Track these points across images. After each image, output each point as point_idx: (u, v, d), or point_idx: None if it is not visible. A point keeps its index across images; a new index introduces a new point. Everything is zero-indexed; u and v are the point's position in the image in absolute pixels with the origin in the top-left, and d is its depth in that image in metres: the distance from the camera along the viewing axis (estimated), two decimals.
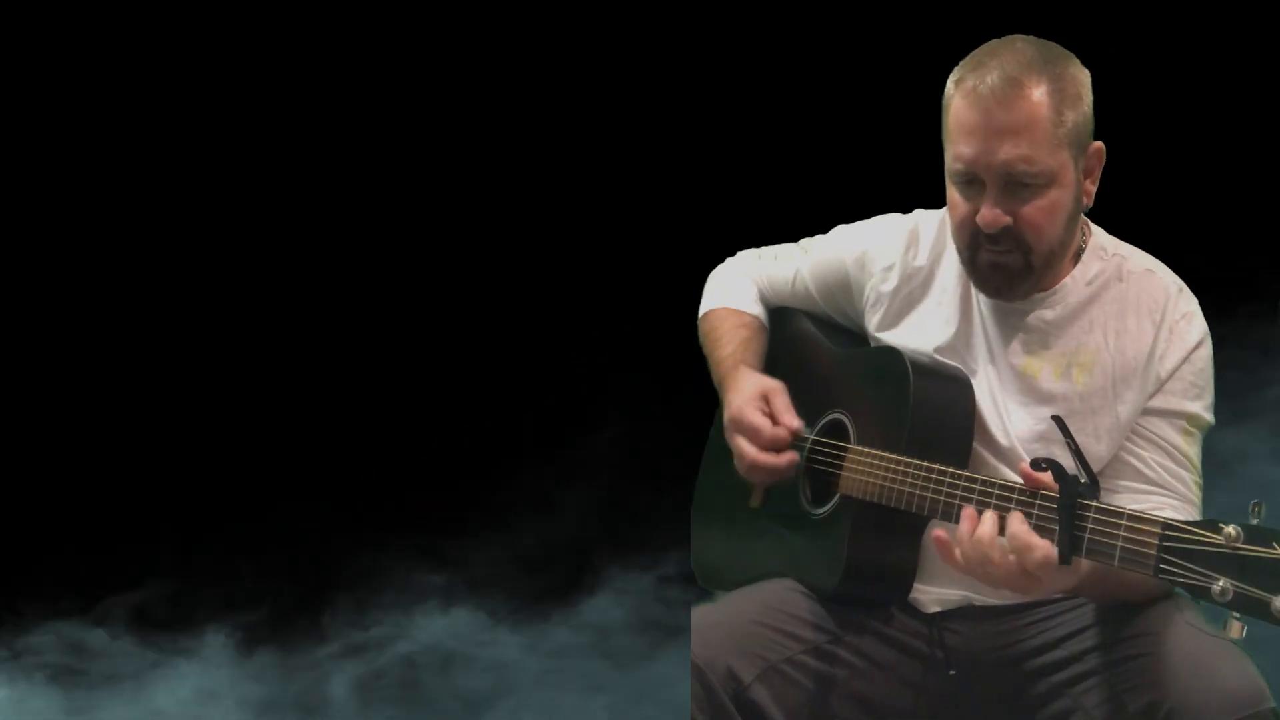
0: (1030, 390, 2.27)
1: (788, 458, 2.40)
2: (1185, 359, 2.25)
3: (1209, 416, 2.27)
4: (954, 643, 2.30)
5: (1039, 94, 2.17)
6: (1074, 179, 2.22)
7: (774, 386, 2.45)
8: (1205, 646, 2.07)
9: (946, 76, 2.29)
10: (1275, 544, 1.71)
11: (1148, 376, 2.25)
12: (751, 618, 2.31)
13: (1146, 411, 2.25)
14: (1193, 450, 2.25)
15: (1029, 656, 2.26)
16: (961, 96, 2.21)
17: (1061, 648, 2.23)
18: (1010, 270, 2.22)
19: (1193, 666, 2.04)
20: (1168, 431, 2.25)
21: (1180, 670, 2.05)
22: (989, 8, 2.80)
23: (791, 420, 2.41)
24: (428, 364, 3.95)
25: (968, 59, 2.25)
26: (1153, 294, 2.28)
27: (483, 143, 3.94)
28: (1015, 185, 2.17)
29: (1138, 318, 2.27)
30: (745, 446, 2.42)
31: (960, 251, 2.28)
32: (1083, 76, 2.24)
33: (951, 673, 2.29)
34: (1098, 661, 2.17)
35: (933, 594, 2.32)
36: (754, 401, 2.43)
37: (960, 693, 2.30)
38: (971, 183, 2.20)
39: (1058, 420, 2.06)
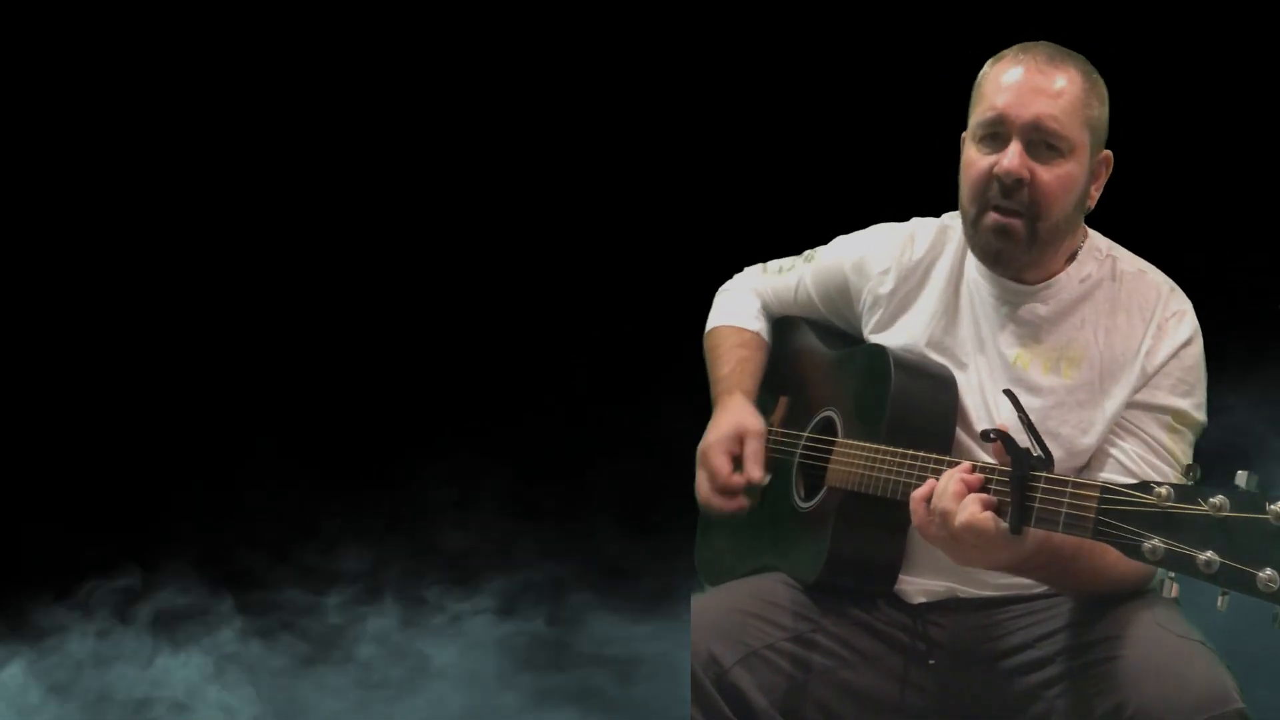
0: (1019, 382, 2.29)
1: (735, 504, 2.48)
2: (1173, 355, 2.26)
3: (1199, 415, 2.27)
4: (937, 636, 2.32)
5: (1074, 75, 2.27)
6: (1087, 166, 2.28)
7: (752, 429, 2.51)
8: (1173, 648, 2.07)
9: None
10: (1202, 501, 1.72)
11: (1134, 371, 2.26)
12: (736, 606, 2.35)
13: (1131, 405, 2.26)
14: (1178, 447, 2.26)
15: (1008, 654, 2.27)
16: (1002, 66, 2.30)
17: (1038, 647, 2.24)
18: (1014, 235, 2.25)
19: (1159, 668, 2.04)
20: (1151, 426, 2.26)
21: (1146, 672, 2.05)
22: (986, 22, 2.81)
23: (754, 471, 2.47)
24: (427, 364, 3.99)
25: (1004, 51, 2.33)
26: (1144, 293, 2.31)
27: (494, 154, 4.01)
28: (1038, 145, 2.24)
29: (1128, 315, 2.29)
30: (702, 483, 2.51)
31: (966, 212, 2.32)
32: (1105, 88, 2.31)
33: (931, 662, 2.31)
34: (1069, 664, 2.17)
35: (918, 584, 2.34)
36: (725, 443, 2.50)
37: (942, 686, 2.31)
38: (996, 137, 2.26)
39: (1009, 394, 2.09)
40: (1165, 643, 2.08)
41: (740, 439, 2.50)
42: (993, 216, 2.26)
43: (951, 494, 2.03)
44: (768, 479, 2.49)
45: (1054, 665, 2.20)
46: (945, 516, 2.02)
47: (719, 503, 2.48)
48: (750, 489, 2.55)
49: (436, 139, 4.01)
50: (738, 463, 2.49)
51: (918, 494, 2.09)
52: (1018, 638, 2.27)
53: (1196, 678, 2.03)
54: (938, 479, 2.09)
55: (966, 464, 2.07)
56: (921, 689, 2.32)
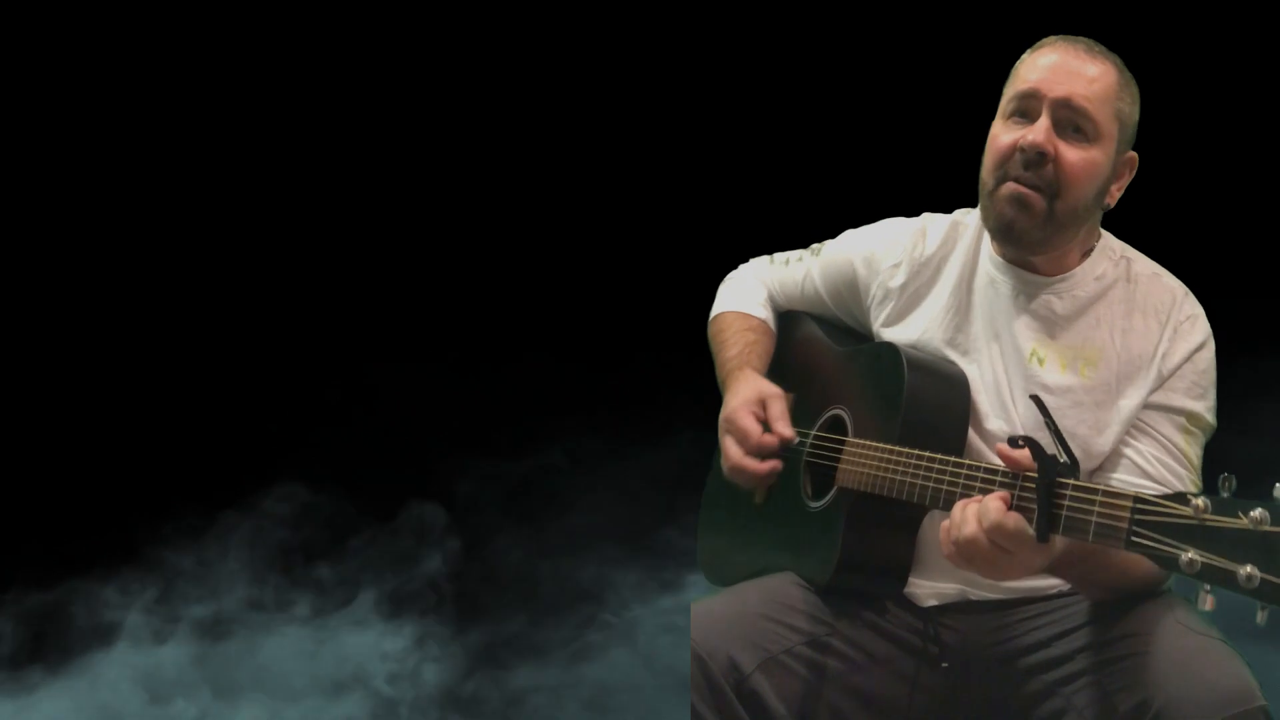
0: (1034, 380, 2.28)
1: (770, 464, 2.42)
2: (1188, 358, 2.26)
3: (1211, 419, 2.27)
4: (949, 639, 2.31)
5: (1110, 68, 2.27)
6: (1111, 159, 2.26)
7: (772, 392, 2.47)
8: (1196, 646, 2.06)
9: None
10: (1241, 514, 1.69)
11: (1150, 373, 2.26)
12: (753, 609, 2.33)
13: (1147, 406, 2.25)
14: (1192, 450, 2.26)
15: (1023, 654, 2.26)
16: (1040, 51, 2.30)
17: (1054, 645, 2.23)
18: (1031, 206, 2.23)
19: (1182, 666, 2.04)
20: (1167, 428, 2.25)
21: (1170, 669, 2.04)
22: (995, 22, 2.80)
23: (784, 429, 2.43)
24: (434, 365, 3.96)
25: (1044, 39, 2.33)
26: (1159, 296, 2.30)
27: (505, 152, 3.97)
28: (1066, 125, 2.23)
29: (1144, 317, 2.28)
30: (732, 448, 2.45)
31: (984, 184, 2.29)
32: (1139, 91, 2.31)
33: (944, 665, 2.29)
34: (1089, 661, 2.16)
35: (929, 588, 2.33)
36: (749, 405, 2.46)
37: (955, 688, 2.30)
38: (1025, 112, 2.25)
39: (1036, 399, 2.06)
40: (1187, 640, 2.07)
41: (762, 402, 2.46)
42: (1011, 185, 2.24)
43: (996, 521, 1.97)
44: (796, 440, 2.45)
45: (1073, 662, 2.19)
46: (992, 532, 1.97)
47: (752, 466, 2.42)
48: (751, 495, 2.54)
49: (434, 144, 3.98)
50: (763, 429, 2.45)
51: (946, 525, 2.04)
52: (1032, 637, 2.26)
53: (1220, 675, 2.02)
54: (959, 492, 2.06)
55: (990, 472, 2.04)
56: (933, 691, 2.31)
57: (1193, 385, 2.27)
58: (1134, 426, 2.26)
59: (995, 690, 2.28)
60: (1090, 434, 2.25)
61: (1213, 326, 2.31)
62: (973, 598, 2.31)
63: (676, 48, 3.83)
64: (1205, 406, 2.27)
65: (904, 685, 2.31)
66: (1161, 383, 2.26)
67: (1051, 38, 2.31)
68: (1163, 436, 2.25)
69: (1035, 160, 2.22)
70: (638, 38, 3.84)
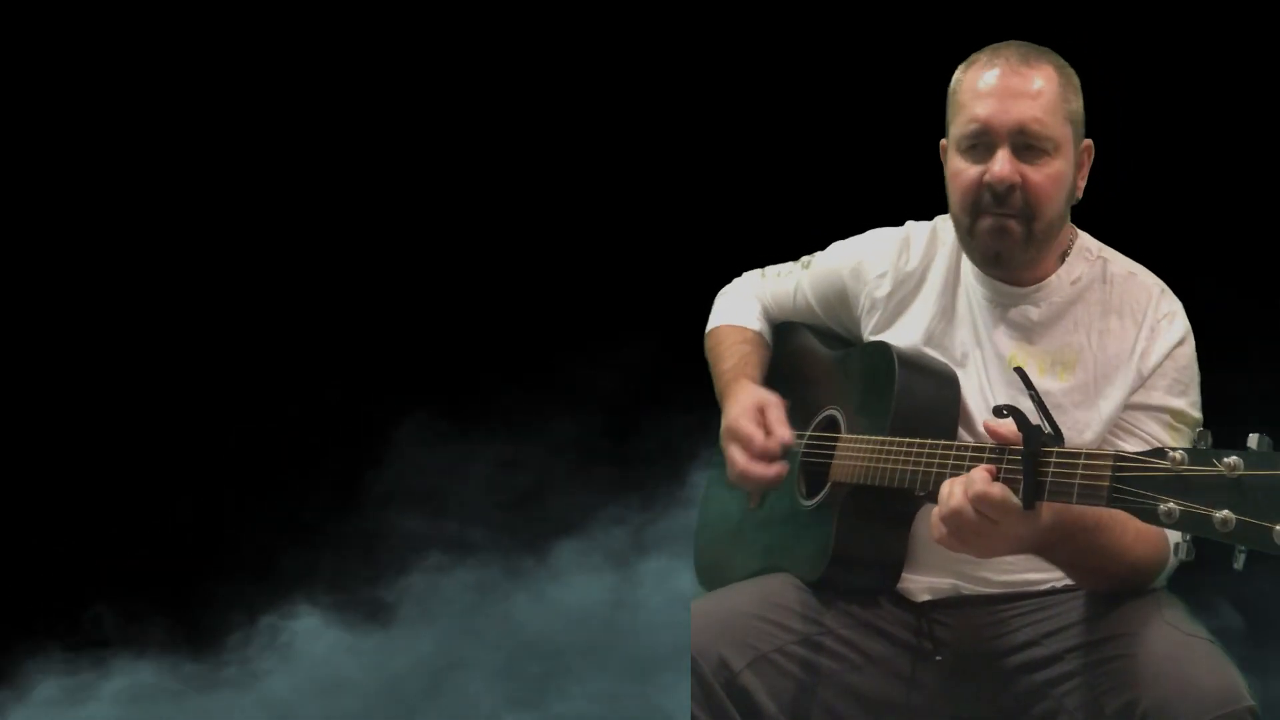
0: (1014, 383, 2.31)
1: (776, 468, 2.45)
2: (1168, 355, 2.30)
3: (1195, 413, 2.31)
4: (942, 634, 2.34)
5: (1050, 72, 2.31)
6: (1073, 159, 2.32)
7: (770, 400, 2.52)
8: (1183, 646, 2.09)
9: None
10: (1216, 462, 1.74)
11: (1130, 373, 2.30)
12: (744, 609, 2.36)
13: (1130, 406, 2.30)
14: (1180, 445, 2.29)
15: (1013, 651, 2.28)
16: (976, 71, 2.33)
17: (1044, 644, 2.25)
18: (1011, 236, 2.29)
19: (1169, 666, 2.06)
20: (1152, 426, 2.29)
21: (1157, 670, 2.06)
22: (978, 27, 2.86)
23: (784, 433, 2.47)
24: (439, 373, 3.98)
25: (974, 55, 2.37)
26: (1135, 295, 2.35)
27: (489, 165, 3.99)
28: (1024, 148, 2.28)
29: (1120, 318, 2.33)
30: (737, 455, 2.48)
31: (959, 222, 2.35)
32: (1078, 78, 2.36)
33: (938, 658, 2.32)
34: (1079, 662, 2.19)
35: (922, 582, 2.36)
36: (749, 413, 2.50)
37: (949, 685, 2.33)
38: (979, 146, 2.29)
39: (1019, 371, 2.10)
40: (1175, 640, 2.09)
41: (761, 409, 2.50)
42: (988, 221, 2.29)
43: (980, 491, 2.00)
44: (795, 441, 2.49)
45: (1062, 663, 2.21)
46: (978, 501, 2.00)
47: (759, 470, 2.44)
48: (746, 501, 2.59)
49: (428, 158, 4.00)
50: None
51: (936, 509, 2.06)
52: (1023, 635, 2.28)
53: (1208, 675, 2.04)
54: (948, 474, 2.09)
55: (982, 467, 2.05)
56: (927, 690, 2.33)
57: (1174, 382, 2.30)
58: (1119, 427, 2.30)
59: (987, 688, 2.30)
60: (1070, 435, 2.25)
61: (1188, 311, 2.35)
62: (965, 592, 2.34)
63: (667, 67, 3.88)
64: (1188, 403, 2.31)
65: (899, 683, 2.34)
66: (1142, 382, 2.30)
67: (981, 54, 2.35)
68: (1149, 435, 2.29)
69: (1004, 193, 2.27)
70: (632, 52, 3.89)
